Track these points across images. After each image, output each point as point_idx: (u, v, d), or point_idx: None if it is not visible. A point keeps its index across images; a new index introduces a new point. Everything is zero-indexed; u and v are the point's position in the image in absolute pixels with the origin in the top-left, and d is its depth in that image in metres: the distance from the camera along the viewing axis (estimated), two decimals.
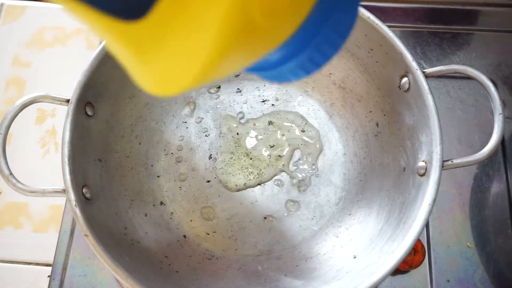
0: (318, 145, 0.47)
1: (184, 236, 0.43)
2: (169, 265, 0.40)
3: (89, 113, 0.38)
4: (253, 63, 0.17)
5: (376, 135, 0.44)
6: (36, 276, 0.51)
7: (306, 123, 0.48)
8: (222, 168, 0.46)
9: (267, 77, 0.20)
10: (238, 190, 0.45)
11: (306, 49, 0.18)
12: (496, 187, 0.49)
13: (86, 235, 0.33)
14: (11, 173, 0.34)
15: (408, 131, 0.39)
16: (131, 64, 0.15)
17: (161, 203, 0.45)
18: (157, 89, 0.15)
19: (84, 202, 0.35)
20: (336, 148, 0.47)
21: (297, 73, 0.19)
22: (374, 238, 0.39)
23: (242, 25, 0.13)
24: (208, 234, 0.44)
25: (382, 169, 0.43)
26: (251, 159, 0.47)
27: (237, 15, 0.13)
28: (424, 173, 0.36)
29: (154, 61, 0.14)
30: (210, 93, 0.49)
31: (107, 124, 0.41)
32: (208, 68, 0.14)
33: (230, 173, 0.46)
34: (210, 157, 0.47)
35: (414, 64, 0.37)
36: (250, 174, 0.46)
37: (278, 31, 0.16)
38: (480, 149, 0.35)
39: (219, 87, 0.49)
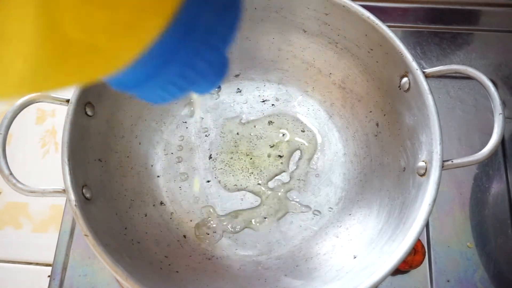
0: (318, 145, 0.47)
1: (184, 236, 0.43)
2: (169, 265, 0.40)
3: (89, 113, 0.38)
4: (111, 78, 0.17)
5: (376, 135, 0.44)
6: (36, 276, 0.51)
7: (306, 123, 0.48)
8: (222, 168, 0.46)
9: (139, 95, 0.19)
10: (238, 190, 0.45)
11: (171, 64, 0.17)
12: (496, 187, 0.49)
13: (86, 235, 0.33)
14: (11, 173, 0.34)
15: (408, 131, 0.39)
16: None
17: (161, 203, 0.45)
18: None
19: (84, 202, 0.35)
20: (336, 148, 0.47)
21: (169, 90, 0.18)
22: (374, 238, 0.39)
23: (53, 42, 0.13)
24: (208, 234, 0.44)
25: (382, 169, 0.43)
26: (251, 159, 0.47)
27: (44, 34, 0.13)
28: (424, 173, 0.36)
29: None
30: (210, 93, 0.49)
31: (107, 124, 0.41)
32: (24, 81, 0.14)
33: (230, 173, 0.46)
34: (210, 157, 0.47)
35: (414, 64, 0.37)
36: (250, 174, 0.46)
37: (118, 49, 0.15)
38: (480, 149, 0.35)
39: (219, 87, 0.49)
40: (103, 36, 0.14)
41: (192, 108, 0.49)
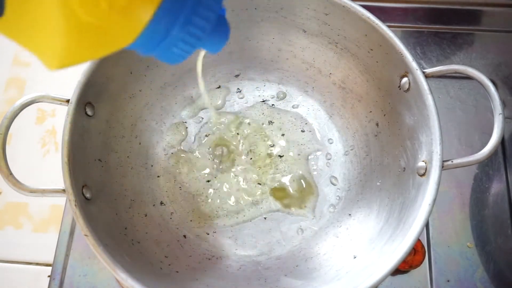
0: (318, 145, 0.47)
1: (184, 236, 0.43)
2: (169, 265, 0.40)
3: (89, 113, 0.38)
4: (133, 45, 0.20)
5: (376, 135, 0.44)
6: (36, 276, 0.51)
7: (306, 123, 0.48)
8: (222, 168, 0.46)
9: (159, 57, 0.23)
10: (238, 189, 0.45)
11: (176, 21, 0.20)
12: (496, 187, 0.49)
13: (86, 235, 0.33)
14: (11, 173, 0.34)
15: (408, 131, 0.39)
16: (21, 44, 0.20)
17: (161, 203, 0.45)
18: (47, 64, 0.20)
19: (84, 202, 0.35)
20: (336, 148, 0.47)
21: (181, 47, 0.22)
22: (374, 238, 0.39)
23: (73, 23, 0.18)
24: (208, 234, 0.44)
25: (382, 169, 0.43)
26: (251, 158, 0.47)
27: (66, 20, 0.17)
28: (424, 173, 0.36)
29: (30, 44, 0.19)
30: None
31: (107, 124, 0.41)
32: (67, 53, 0.19)
33: (230, 173, 0.46)
34: (210, 157, 0.47)
35: (414, 64, 0.37)
36: (250, 174, 0.46)
37: (119, 29, 0.19)
38: (480, 149, 0.35)
39: (219, 87, 0.49)
40: (106, 19, 0.18)
41: (192, 108, 0.49)
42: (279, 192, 0.45)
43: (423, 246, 0.45)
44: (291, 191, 0.45)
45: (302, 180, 0.46)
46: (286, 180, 0.46)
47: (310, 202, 0.45)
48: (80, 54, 0.20)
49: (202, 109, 0.49)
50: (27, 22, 0.18)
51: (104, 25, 0.19)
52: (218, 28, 0.23)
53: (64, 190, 0.34)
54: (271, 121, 0.48)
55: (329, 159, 0.47)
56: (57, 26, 0.18)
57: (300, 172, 0.46)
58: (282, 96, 0.49)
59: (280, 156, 0.47)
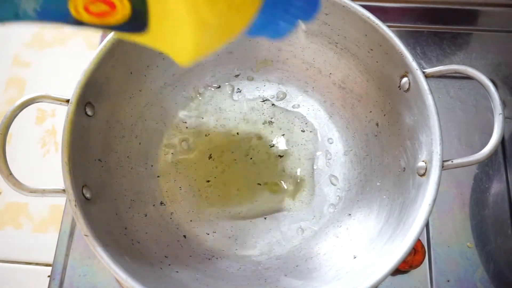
0: (318, 145, 0.47)
1: (184, 236, 0.43)
2: (169, 265, 0.40)
3: (89, 113, 0.38)
4: (247, 30, 0.26)
5: (376, 135, 0.44)
6: (36, 276, 0.51)
7: (306, 123, 0.48)
8: (222, 168, 0.46)
9: (269, 35, 0.28)
10: (238, 189, 0.45)
11: (277, 7, 0.26)
12: (496, 187, 0.49)
13: (86, 235, 0.33)
14: (11, 173, 0.34)
15: (408, 131, 0.39)
16: (161, 50, 0.25)
17: (161, 203, 0.45)
18: (180, 61, 0.25)
19: (84, 202, 0.35)
20: (336, 148, 0.47)
21: (285, 21, 0.27)
22: (374, 238, 0.39)
23: (201, 26, 0.23)
24: (208, 234, 0.44)
25: (382, 169, 0.43)
26: (251, 158, 0.47)
27: (195, 23, 0.22)
28: (424, 173, 0.36)
29: (167, 48, 0.25)
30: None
31: (107, 124, 0.41)
32: (197, 49, 0.24)
33: (230, 173, 0.46)
34: (210, 157, 0.47)
35: (414, 64, 0.37)
36: (250, 174, 0.46)
37: (241, 15, 0.25)
38: (480, 149, 0.35)
39: (219, 87, 0.49)
40: (225, 17, 0.24)
41: (192, 108, 0.49)
42: (274, 186, 0.45)
43: (423, 246, 0.45)
44: (291, 191, 0.45)
45: (302, 180, 0.46)
46: (286, 179, 0.46)
47: (310, 202, 0.45)
48: (207, 47, 0.25)
49: (202, 109, 0.49)
50: (164, 32, 0.23)
51: (223, 21, 0.24)
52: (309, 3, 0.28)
53: (64, 190, 0.34)
54: (271, 121, 0.48)
55: (329, 159, 0.47)
56: (188, 29, 0.22)
57: (300, 172, 0.46)
58: (282, 96, 0.49)
59: (280, 156, 0.47)
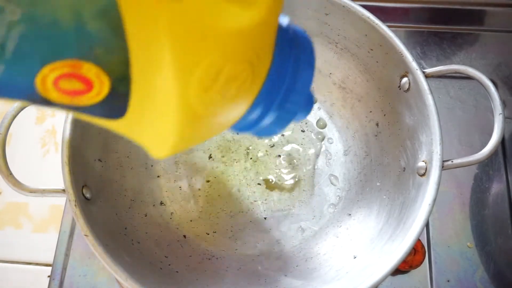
0: (318, 145, 0.47)
1: (184, 236, 0.43)
2: (169, 265, 0.40)
3: None
4: (233, 127, 0.23)
5: (376, 135, 0.44)
6: (36, 276, 0.51)
7: (306, 123, 0.48)
8: (222, 168, 0.46)
9: (256, 134, 0.25)
10: (238, 190, 0.45)
11: (272, 106, 0.22)
12: (496, 187, 0.49)
13: (86, 235, 0.33)
14: (11, 173, 0.34)
15: (408, 131, 0.39)
16: (136, 140, 0.21)
17: (161, 203, 0.45)
18: (154, 154, 0.21)
19: (84, 202, 0.35)
20: (336, 148, 0.47)
21: (279, 123, 0.23)
22: (374, 238, 0.39)
23: (189, 117, 0.19)
24: (208, 234, 0.44)
25: (382, 169, 0.43)
26: (251, 158, 0.47)
27: (184, 111, 0.18)
28: (424, 173, 0.36)
29: (143, 139, 0.21)
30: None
31: None
32: (177, 143, 0.20)
33: (230, 173, 0.46)
34: (210, 157, 0.47)
35: (414, 64, 0.37)
36: (250, 174, 0.46)
37: (232, 111, 0.21)
38: (480, 149, 0.35)
39: None
40: (218, 109, 0.20)
41: None
42: (279, 192, 0.45)
43: (423, 246, 0.45)
44: (291, 191, 0.45)
45: (302, 180, 0.46)
46: (286, 180, 0.46)
47: (310, 202, 0.45)
48: (189, 142, 0.21)
49: None
50: (144, 120, 0.19)
51: (214, 113, 0.20)
52: (306, 103, 0.25)
53: (64, 190, 0.34)
54: None
55: (329, 159, 0.47)
56: (174, 118, 0.19)
57: (300, 172, 0.46)
58: None
59: (280, 156, 0.47)
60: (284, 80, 0.22)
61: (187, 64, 0.17)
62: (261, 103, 0.22)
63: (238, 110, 0.21)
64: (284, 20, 0.22)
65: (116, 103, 0.18)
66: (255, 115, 0.22)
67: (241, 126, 0.23)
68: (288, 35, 0.22)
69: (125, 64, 0.17)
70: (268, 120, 0.23)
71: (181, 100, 0.18)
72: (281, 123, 0.24)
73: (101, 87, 0.17)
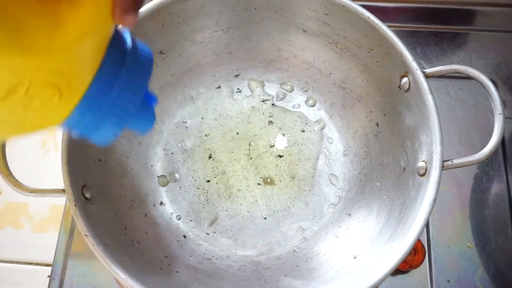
0: (318, 145, 0.47)
1: (184, 236, 0.43)
2: (169, 265, 0.40)
3: None
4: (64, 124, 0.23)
5: (376, 135, 0.44)
6: (36, 276, 0.51)
7: (306, 123, 0.48)
8: (222, 168, 0.46)
9: (88, 139, 0.24)
10: (238, 190, 0.45)
11: (104, 103, 0.22)
12: (496, 187, 0.49)
13: (86, 235, 0.33)
14: (10, 173, 0.34)
15: (408, 131, 0.39)
16: None
17: (161, 203, 0.45)
18: None
19: (84, 202, 0.35)
20: (336, 148, 0.47)
21: (107, 127, 0.23)
22: (374, 238, 0.39)
23: None
24: (208, 234, 0.44)
25: (382, 169, 0.43)
26: (251, 158, 0.46)
27: None
28: (424, 173, 0.36)
29: None
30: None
31: None
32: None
33: (230, 173, 0.46)
34: (210, 157, 0.47)
35: (414, 64, 0.37)
36: (250, 174, 0.46)
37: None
38: (480, 149, 0.35)
39: (219, 87, 0.49)
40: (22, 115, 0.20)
41: (192, 108, 0.48)
42: (279, 192, 0.45)
43: (423, 246, 0.45)
44: (291, 191, 0.45)
45: (302, 180, 0.46)
46: (286, 180, 0.46)
47: (310, 202, 0.45)
48: None
49: (202, 109, 0.49)
50: None
51: (21, 118, 0.20)
52: (144, 112, 0.25)
53: (64, 190, 0.34)
54: (271, 121, 0.48)
55: (329, 159, 0.47)
56: None
57: (300, 172, 0.46)
58: (282, 96, 0.49)
59: (280, 156, 0.47)
60: (111, 92, 0.22)
61: None
62: (91, 101, 0.22)
63: (50, 117, 0.21)
64: (126, 35, 0.23)
65: None
66: (82, 115, 0.22)
67: (69, 126, 0.23)
68: (124, 50, 0.23)
69: None
70: (98, 122, 0.23)
71: None
72: (113, 128, 0.24)
73: None
